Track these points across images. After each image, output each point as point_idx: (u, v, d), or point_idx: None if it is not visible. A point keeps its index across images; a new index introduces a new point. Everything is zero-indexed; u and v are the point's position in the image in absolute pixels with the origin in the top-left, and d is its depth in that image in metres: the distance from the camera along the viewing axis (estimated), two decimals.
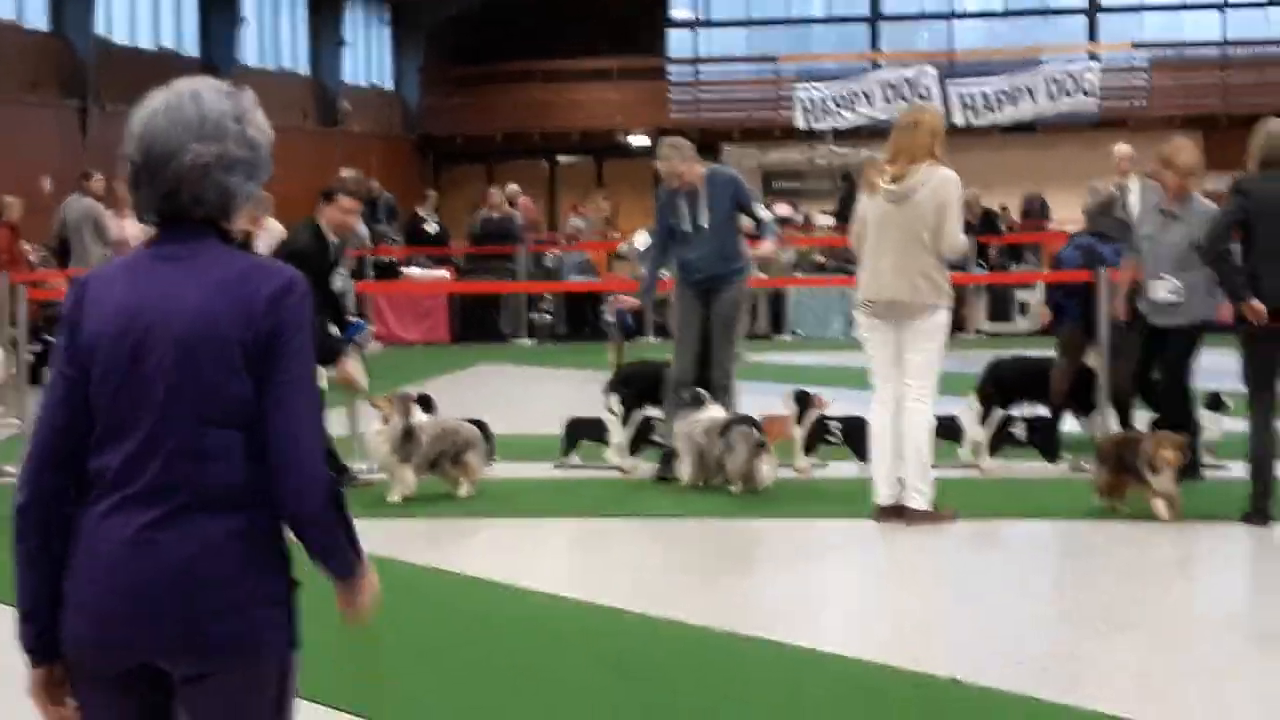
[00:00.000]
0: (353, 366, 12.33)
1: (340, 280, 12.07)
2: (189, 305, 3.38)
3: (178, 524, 3.35)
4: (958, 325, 23.14)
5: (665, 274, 12.76)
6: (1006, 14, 44.19)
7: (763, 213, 12.83)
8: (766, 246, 12.91)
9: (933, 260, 10.30)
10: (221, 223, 3.50)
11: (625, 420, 12.51)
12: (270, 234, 14.69)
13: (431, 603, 8.77)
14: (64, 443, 3.43)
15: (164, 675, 3.42)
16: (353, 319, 12.64)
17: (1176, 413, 11.45)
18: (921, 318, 10.33)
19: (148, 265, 3.48)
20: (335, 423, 12.27)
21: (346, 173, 26.34)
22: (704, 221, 11.94)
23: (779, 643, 7.71)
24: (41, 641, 3.44)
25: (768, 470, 11.47)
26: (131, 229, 21.03)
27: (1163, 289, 11.32)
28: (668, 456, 12.02)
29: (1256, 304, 10.07)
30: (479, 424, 12.17)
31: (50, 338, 19.90)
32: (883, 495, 10.45)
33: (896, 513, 10.36)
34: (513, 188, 29.22)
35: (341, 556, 3.49)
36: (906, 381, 10.38)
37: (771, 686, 7.13)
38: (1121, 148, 16.75)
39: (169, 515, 3.34)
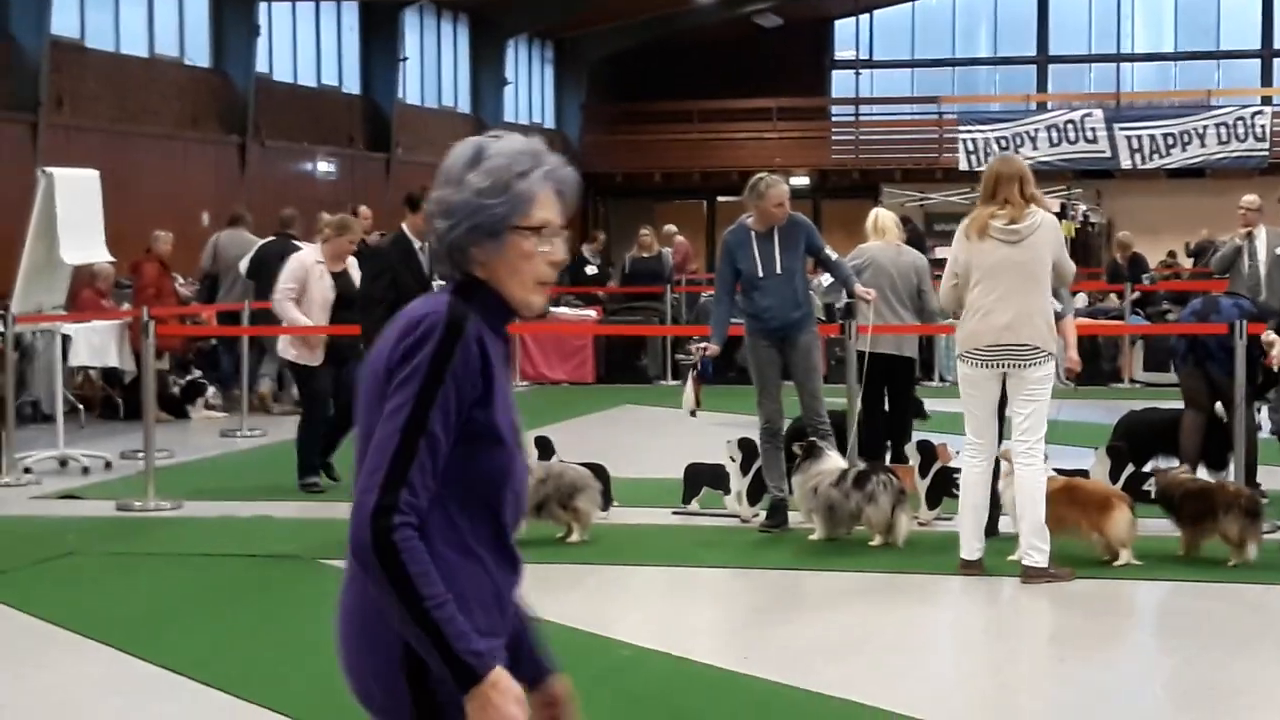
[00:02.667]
0: None
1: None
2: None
3: (347, 581, 3.35)
4: (1115, 375, 22.79)
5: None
6: (1177, 56, 43.52)
7: (833, 254, 12.40)
8: (873, 292, 12.49)
9: (1047, 304, 10.18)
10: (469, 270, 3.39)
11: (745, 468, 12.33)
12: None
13: None
14: None
15: None
16: None
17: None
18: (1035, 364, 10.08)
19: None
20: None
21: None
22: (778, 267, 11.67)
23: (858, 703, 7.53)
24: None
25: (906, 523, 11.21)
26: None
27: None
28: (776, 508, 11.82)
29: None
30: (597, 468, 12.05)
31: (198, 370, 20.22)
32: (968, 549, 10.27)
33: (978, 566, 10.23)
34: (669, 228, 29.11)
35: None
36: (1019, 438, 10.14)
37: None
38: (1247, 197, 16.30)
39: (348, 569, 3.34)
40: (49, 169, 15.79)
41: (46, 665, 8.56)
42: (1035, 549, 10.10)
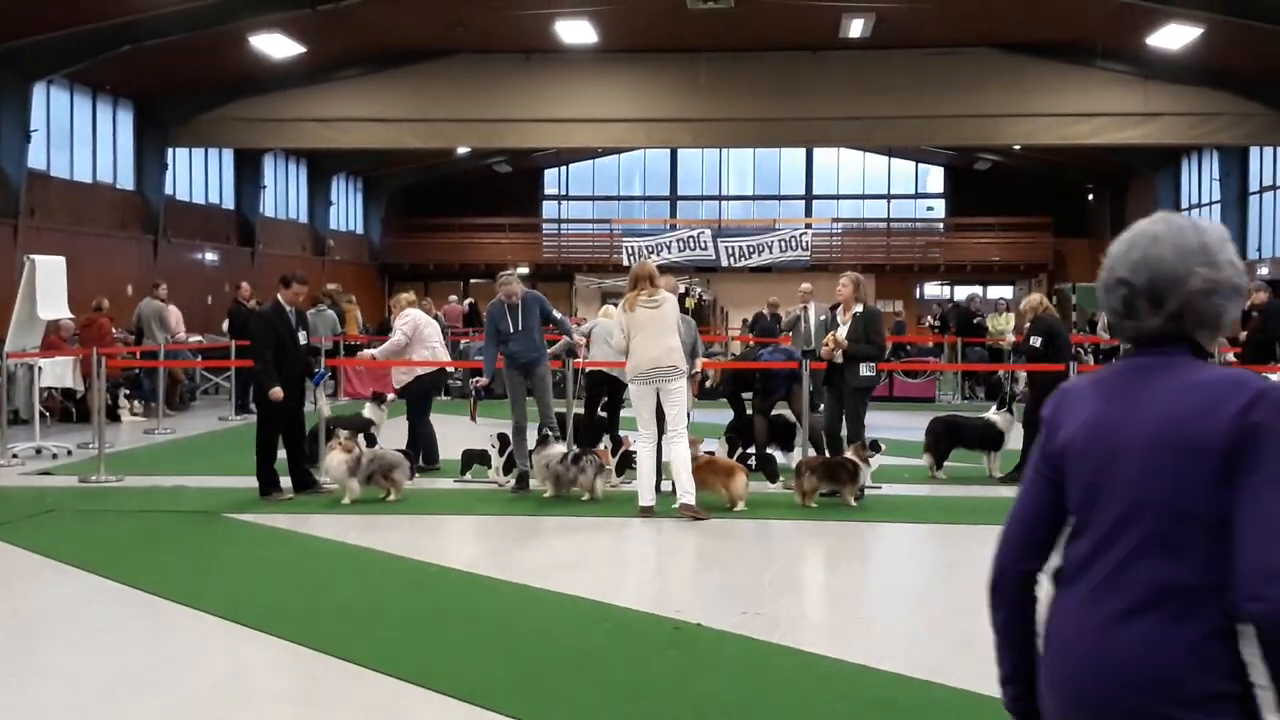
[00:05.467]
0: (318, 400, 12.09)
1: (304, 337, 11.71)
2: (1154, 413, 2.36)
3: (1134, 618, 2.31)
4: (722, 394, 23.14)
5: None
6: (755, 197, 44.73)
7: (558, 316, 12.37)
8: (576, 340, 12.85)
9: (678, 341, 10.52)
10: (1199, 340, 2.44)
11: (501, 452, 12.34)
12: (409, 319, 13.23)
13: (361, 569, 8.57)
14: (1032, 530, 2.55)
15: None
16: (317, 370, 12.30)
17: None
18: (676, 381, 10.43)
19: (1122, 378, 2.47)
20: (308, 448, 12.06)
21: (331, 286, 25.97)
22: (522, 325, 11.65)
23: (580, 597, 7.61)
24: (1019, 705, 2.58)
25: (601, 484, 11.34)
26: (175, 319, 20.67)
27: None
28: (522, 477, 11.81)
29: None
30: (406, 452, 11.93)
31: (125, 389, 19.32)
32: (644, 499, 10.50)
33: (651, 511, 10.41)
34: (451, 297, 28.92)
35: None
36: (672, 427, 10.46)
37: (565, 623, 7.01)
38: (804, 285, 16.89)
39: (1127, 610, 2.32)
40: (32, 256, 15.08)
41: (38, 582, 8.16)
42: (687, 494, 10.37)
